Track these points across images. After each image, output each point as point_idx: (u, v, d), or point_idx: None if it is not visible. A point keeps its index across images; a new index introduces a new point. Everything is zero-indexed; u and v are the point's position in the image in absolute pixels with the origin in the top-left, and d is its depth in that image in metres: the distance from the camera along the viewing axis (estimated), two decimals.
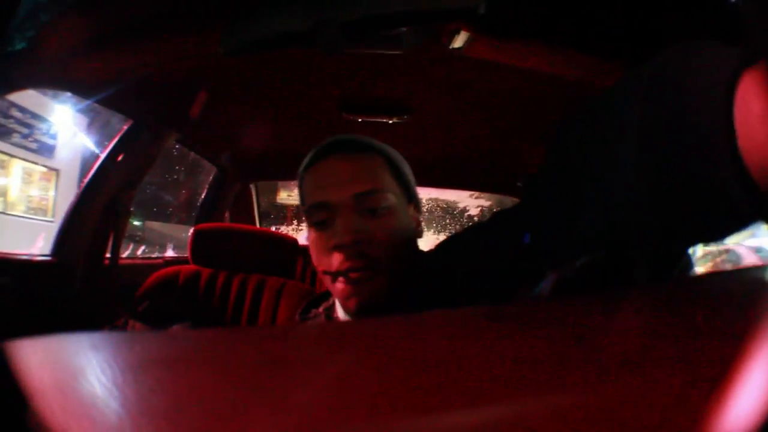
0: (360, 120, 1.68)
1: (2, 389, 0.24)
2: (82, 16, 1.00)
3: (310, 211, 0.74)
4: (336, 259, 0.70)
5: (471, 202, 7.31)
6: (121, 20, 1.03)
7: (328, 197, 0.72)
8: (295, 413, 0.22)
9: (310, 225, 0.75)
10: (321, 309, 0.86)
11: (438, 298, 0.64)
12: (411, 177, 0.81)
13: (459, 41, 1.08)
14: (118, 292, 1.62)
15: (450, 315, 0.37)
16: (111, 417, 0.22)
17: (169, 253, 2.59)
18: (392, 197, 0.74)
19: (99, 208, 1.57)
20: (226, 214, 2.58)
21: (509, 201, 2.59)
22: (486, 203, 6.47)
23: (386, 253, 0.70)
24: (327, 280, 0.74)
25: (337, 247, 0.70)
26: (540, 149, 1.90)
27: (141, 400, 0.23)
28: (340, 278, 0.70)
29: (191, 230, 1.62)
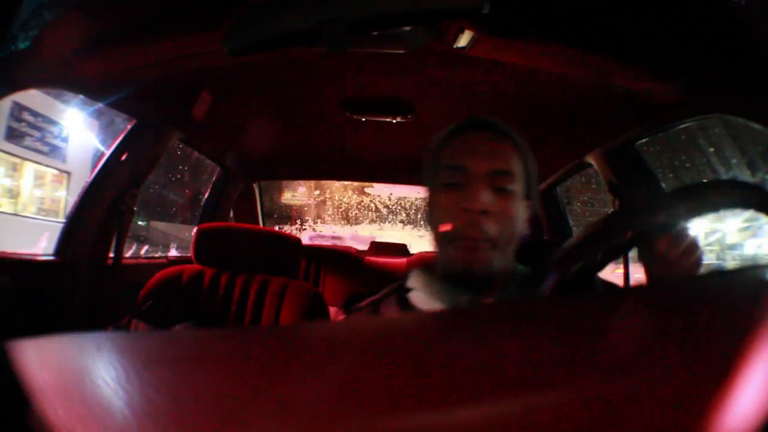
0: (364, 120, 1.68)
1: (5, 389, 0.24)
2: (86, 16, 1.00)
3: (444, 172, 0.78)
4: (461, 221, 0.73)
5: None
6: (124, 20, 1.03)
7: (467, 163, 0.76)
8: (299, 412, 0.22)
9: (439, 186, 0.79)
10: (364, 303, 0.87)
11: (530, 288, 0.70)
12: (535, 177, 0.84)
13: (463, 40, 1.08)
14: (121, 291, 1.63)
15: (458, 313, 0.36)
16: (115, 417, 0.22)
17: (173, 252, 2.59)
18: (518, 185, 0.78)
19: (103, 207, 1.58)
20: (230, 214, 2.58)
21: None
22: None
23: (501, 233, 0.74)
24: (441, 241, 0.77)
25: (466, 211, 0.73)
26: (541, 148, 1.90)
27: (144, 400, 0.23)
28: (458, 242, 0.74)
29: (194, 229, 1.62)
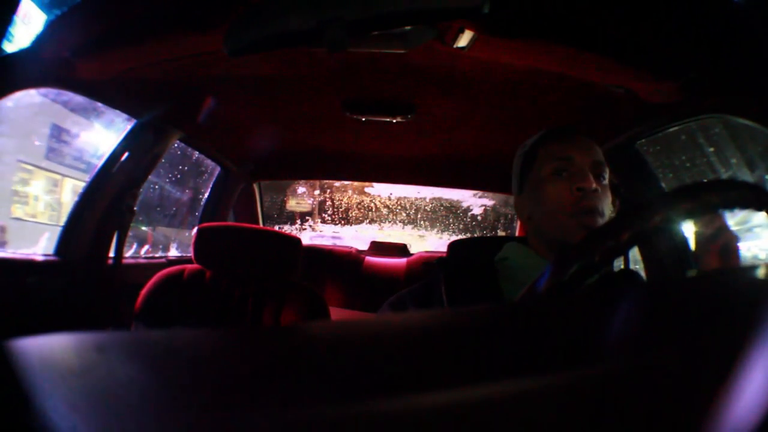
0: (364, 120, 1.68)
1: (5, 388, 0.24)
2: (86, 16, 1.00)
3: (552, 163, 0.90)
4: (577, 198, 0.86)
5: (475, 201, 7.31)
6: (125, 20, 1.03)
7: (575, 154, 0.89)
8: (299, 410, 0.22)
9: (544, 176, 0.91)
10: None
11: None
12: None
13: (463, 40, 1.08)
14: (121, 291, 1.63)
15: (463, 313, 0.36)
16: (115, 416, 0.22)
17: (173, 252, 2.59)
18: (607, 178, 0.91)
19: (103, 207, 1.58)
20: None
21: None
22: (489, 203, 6.47)
23: (603, 211, 0.87)
24: (558, 217, 0.88)
25: (581, 190, 0.86)
26: None
27: (145, 399, 0.23)
28: (581, 216, 0.85)
29: (195, 229, 1.62)
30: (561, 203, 0.87)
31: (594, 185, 0.86)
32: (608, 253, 0.48)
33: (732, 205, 0.52)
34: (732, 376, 0.22)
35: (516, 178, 1.01)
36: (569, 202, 0.87)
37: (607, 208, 0.89)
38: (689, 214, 0.51)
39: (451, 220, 7.60)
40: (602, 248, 0.48)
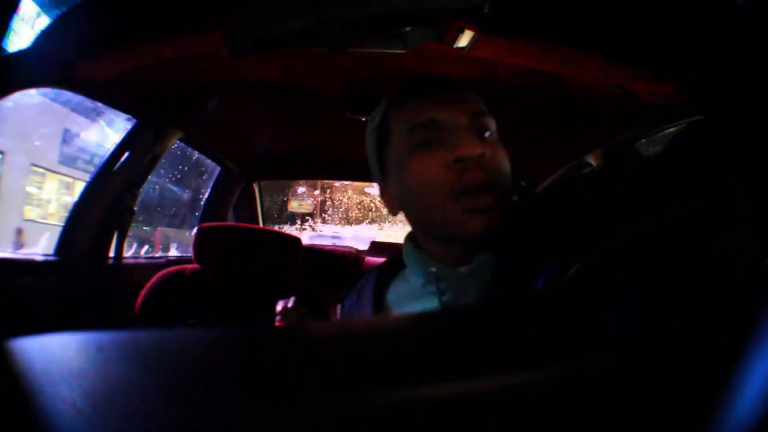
0: (364, 119, 1.68)
1: (5, 387, 0.24)
2: (87, 16, 1.00)
3: (411, 135, 0.67)
4: (455, 174, 0.62)
5: None
6: (125, 19, 1.03)
7: (439, 114, 0.66)
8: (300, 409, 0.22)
9: (407, 152, 0.67)
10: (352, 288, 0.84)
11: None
12: None
13: (463, 40, 1.08)
14: (121, 291, 1.63)
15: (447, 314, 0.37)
16: (116, 416, 0.22)
17: (173, 252, 2.59)
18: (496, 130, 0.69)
19: (103, 207, 1.58)
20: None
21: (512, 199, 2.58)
22: None
23: (503, 178, 0.65)
24: (438, 209, 0.65)
25: (458, 160, 0.62)
26: (541, 148, 1.90)
27: (145, 399, 0.23)
28: (460, 201, 0.62)
29: (195, 229, 1.62)
30: (435, 185, 0.64)
31: (479, 149, 0.62)
32: (612, 250, 0.44)
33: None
34: (732, 375, 0.22)
35: (372, 162, 0.79)
36: (446, 182, 0.63)
37: (505, 169, 0.66)
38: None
39: None
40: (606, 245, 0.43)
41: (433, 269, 0.68)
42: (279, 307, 0.80)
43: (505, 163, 0.67)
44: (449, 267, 0.68)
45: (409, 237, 0.78)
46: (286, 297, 1.59)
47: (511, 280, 0.59)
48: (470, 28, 1.03)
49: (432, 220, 0.67)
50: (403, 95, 0.72)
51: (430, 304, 0.68)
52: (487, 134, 0.67)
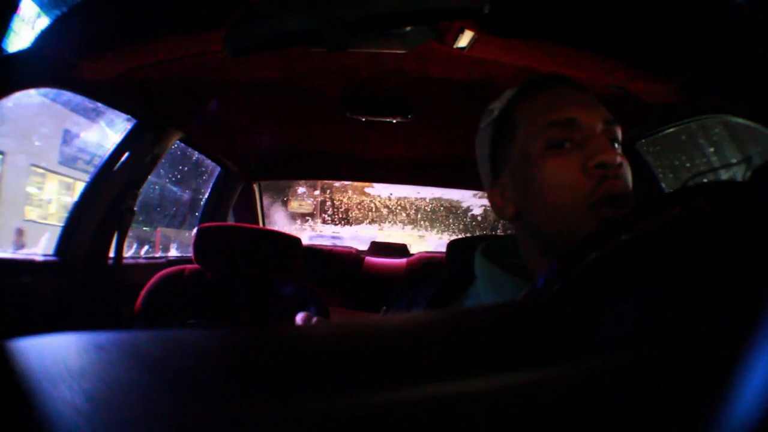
0: (364, 120, 1.68)
1: (5, 388, 0.24)
2: (87, 16, 1.00)
3: (546, 129, 0.62)
4: (599, 180, 0.58)
5: (475, 202, 7.32)
6: (125, 20, 1.03)
7: (577, 114, 0.62)
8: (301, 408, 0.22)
9: (539, 150, 0.62)
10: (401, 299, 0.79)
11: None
12: None
13: (463, 40, 1.08)
14: (121, 291, 1.63)
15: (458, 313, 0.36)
16: (116, 417, 0.22)
17: (173, 252, 2.59)
18: None
19: (103, 207, 1.58)
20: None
21: None
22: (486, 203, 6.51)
23: (631, 194, 0.60)
24: (572, 211, 0.60)
25: (602, 166, 0.58)
26: None
27: (145, 400, 0.23)
28: (605, 208, 0.58)
29: (195, 229, 1.62)
30: (574, 190, 0.59)
31: (619, 157, 0.59)
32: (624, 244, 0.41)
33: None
34: (732, 374, 0.22)
35: (485, 161, 0.71)
36: (585, 188, 0.58)
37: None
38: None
39: (451, 221, 7.62)
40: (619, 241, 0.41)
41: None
42: (299, 319, 0.79)
43: (631, 177, 0.63)
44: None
45: (485, 252, 0.72)
46: (285, 296, 1.59)
47: None
48: (470, 28, 1.03)
49: (562, 225, 0.61)
50: (536, 88, 0.67)
51: None
52: (616, 145, 0.63)
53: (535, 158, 0.62)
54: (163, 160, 1.75)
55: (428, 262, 2.69)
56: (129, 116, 1.56)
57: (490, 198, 0.71)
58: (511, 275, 0.66)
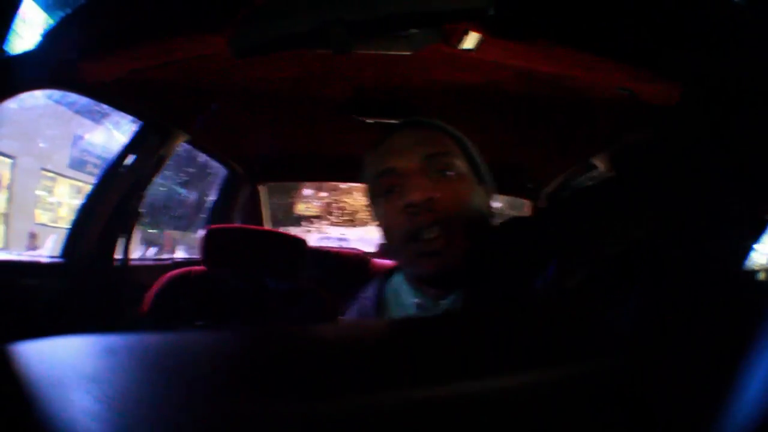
0: (368, 121, 1.68)
1: (10, 390, 0.24)
2: (91, 17, 1.01)
3: (374, 182, 0.74)
4: (407, 220, 0.67)
5: None
6: (129, 21, 1.03)
7: (394, 163, 0.71)
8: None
9: (380, 198, 0.73)
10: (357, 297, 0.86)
11: (513, 278, 0.59)
12: (480, 159, 0.79)
13: (468, 42, 1.07)
14: (127, 293, 1.63)
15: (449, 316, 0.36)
16: (120, 418, 0.22)
17: (179, 254, 2.60)
18: (462, 165, 0.72)
19: (109, 209, 1.58)
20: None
21: (520, 203, 2.58)
22: (496, 205, 6.49)
23: (459, 217, 0.67)
24: (399, 251, 0.71)
25: (407, 206, 0.67)
26: (547, 150, 1.89)
27: (150, 402, 0.23)
28: (413, 244, 0.67)
29: (202, 231, 1.63)
30: (394, 229, 0.70)
31: (422, 195, 0.66)
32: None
33: None
34: (733, 375, 0.22)
35: (369, 203, 0.82)
36: (402, 227, 0.68)
37: (467, 207, 0.69)
38: None
39: None
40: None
41: (416, 300, 0.73)
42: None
43: (463, 200, 0.69)
44: (431, 300, 0.72)
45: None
46: (291, 298, 1.59)
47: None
48: (476, 30, 1.03)
49: (397, 260, 0.76)
50: (382, 137, 0.78)
51: None
52: (444, 173, 0.70)
53: (376, 200, 0.75)
54: (168, 162, 1.75)
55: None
56: (134, 118, 1.57)
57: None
58: (409, 287, 0.75)
